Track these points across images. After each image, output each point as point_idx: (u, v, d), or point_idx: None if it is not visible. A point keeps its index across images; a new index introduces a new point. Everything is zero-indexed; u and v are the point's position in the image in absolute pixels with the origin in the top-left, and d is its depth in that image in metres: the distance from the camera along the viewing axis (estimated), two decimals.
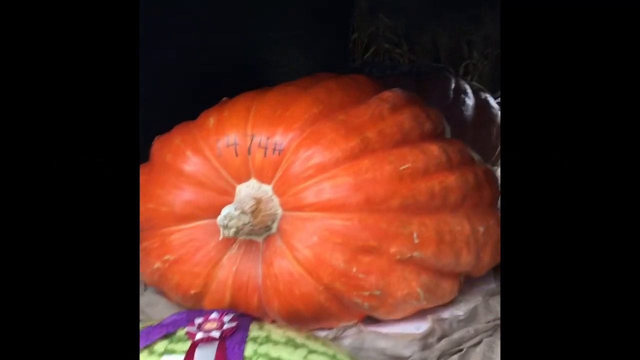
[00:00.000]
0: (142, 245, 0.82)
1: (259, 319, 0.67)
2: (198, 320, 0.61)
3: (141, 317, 0.84)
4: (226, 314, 0.61)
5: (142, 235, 0.83)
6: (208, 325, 0.60)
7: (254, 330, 0.59)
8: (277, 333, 0.59)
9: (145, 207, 0.80)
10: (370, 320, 0.79)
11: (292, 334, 0.59)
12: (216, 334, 0.58)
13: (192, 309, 0.79)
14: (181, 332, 0.59)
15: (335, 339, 0.76)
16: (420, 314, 0.79)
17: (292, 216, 0.76)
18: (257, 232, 0.77)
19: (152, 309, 0.85)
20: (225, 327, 0.59)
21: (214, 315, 0.61)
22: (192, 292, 0.79)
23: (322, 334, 0.77)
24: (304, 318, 0.76)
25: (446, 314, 0.80)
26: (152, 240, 0.81)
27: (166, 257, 0.79)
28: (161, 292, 0.85)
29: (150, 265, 0.81)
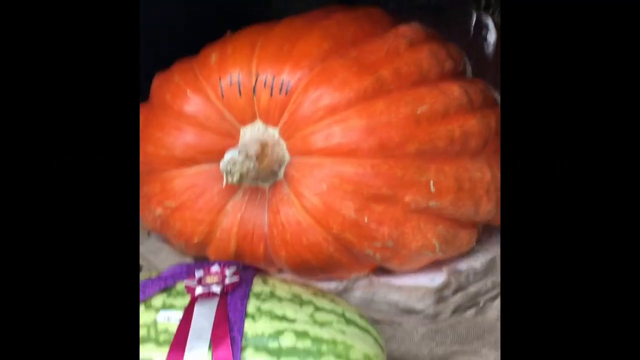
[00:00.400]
0: (143, 190, 0.78)
1: (263, 271, 0.63)
2: (198, 274, 0.57)
3: (144, 264, 0.80)
4: (228, 267, 0.57)
5: (143, 179, 0.79)
6: (209, 279, 0.56)
7: (258, 285, 0.55)
8: (282, 288, 0.55)
9: (144, 150, 0.75)
10: (383, 271, 0.75)
11: (298, 289, 0.56)
12: (217, 289, 0.54)
13: (193, 261, 0.76)
14: (180, 286, 0.55)
15: (345, 290, 0.73)
16: (435, 265, 0.75)
17: (299, 161, 0.71)
18: (263, 178, 0.73)
19: (155, 256, 0.81)
20: (227, 281, 0.55)
21: (215, 268, 0.57)
22: (196, 240, 0.75)
23: (332, 285, 0.74)
24: (313, 268, 0.72)
25: (463, 266, 0.76)
26: (153, 185, 0.76)
27: (167, 203, 0.75)
28: (165, 239, 0.82)
29: (151, 212, 0.77)
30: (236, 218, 0.73)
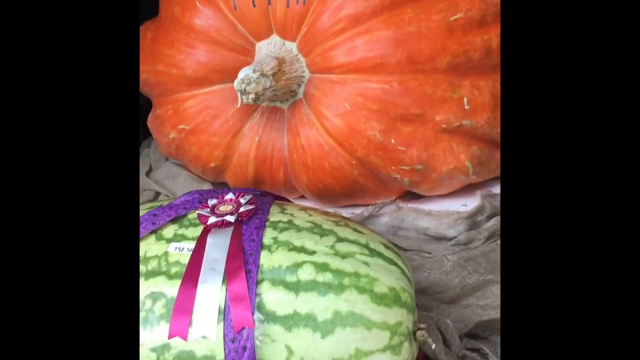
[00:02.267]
0: (155, 112, 0.74)
1: (282, 199, 0.59)
2: (212, 202, 0.53)
3: (161, 190, 0.77)
4: (243, 195, 0.53)
5: (155, 101, 0.74)
6: (223, 208, 0.52)
7: (275, 214, 0.51)
8: (301, 217, 0.51)
9: (154, 69, 0.70)
10: (411, 196, 0.70)
11: (318, 218, 0.51)
12: (231, 218, 0.50)
13: (211, 187, 0.72)
14: (192, 215, 0.52)
15: (371, 217, 0.68)
16: (467, 189, 0.70)
17: (320, 79, 0.65)
18: (281, 98, 0.67)
19: (173, 182, 0.78)
20: (241, 209, 0.51)
21: (229, 196, 0.53)
22: (212, 165, 0.71)
23: (357, 211, 0.70)
24: (336, 194, 0.68)
25: (497, 189, 0.71)
26: (165, 107, 0.72)
27: (181, 126, 0.70)
28: (182, 164, 0.78)
29: (165, 135, 0.73)
30: (254, 141, 0.69)
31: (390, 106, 0.62)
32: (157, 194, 0.77)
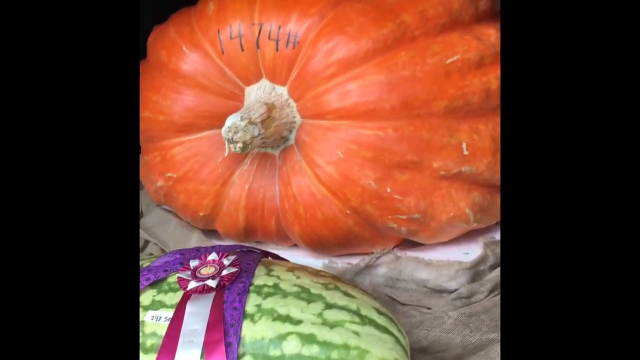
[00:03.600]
0: (143, 159, 0.71)
1: (270, 254, 0.55)
2: (194, 263, 0.50)
3: (150, 239, 0.74)
4: (227, 256, 0.50)
5: (142, 147, 0.72)
6: (204, 270, 0.49)
7: (260, 276, 0.48)
8: (288, 280, 0.48)
9: (141, 115, 0.68)
10: (410, 243, 0.67)
11: (306, 280, 0.48)
12: (212, 283, 0.47)
13: (202, 234, 0.69)
14: (173, 278, 0.49)
15: (367, 267, 0.65)
16: (469, 235, 0.67)
17: (312, 125, 0.62)
18: (272, 144, 0.64)
19: (163, 229, 0.75)
20: (224, 272, 0.48)
21: (212, 257, 0.50)
22: (201, 214, 0.68)
23: (353, 260, 0.66)
24: (330, 244, 0.65)
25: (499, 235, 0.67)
26: (153, 154, 0.69)
27: (168, 174, 0.68)
28: (172, 210, 0.75)
29: (153, 183, 0.70)
30: (244, 189, 0.66)
31: (385, 153, 0.59)
32: (147, 242, 0.74)
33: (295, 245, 0.69)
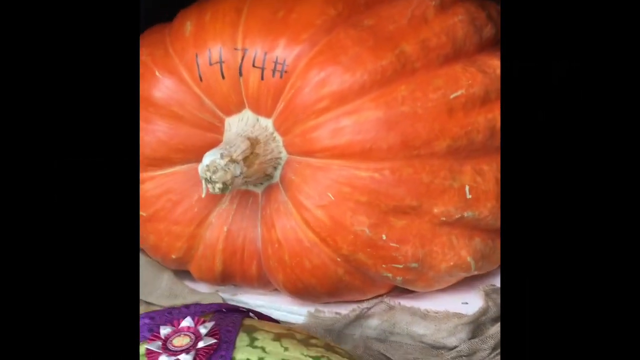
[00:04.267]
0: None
1: (251, 313, 0.49)
2: (165, 331, 0.43)
3: None
4: (203, 322, 0.43)
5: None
6: (178, 341, 0.42)
7: (242, 348, 0.41)
8: (275, 353, 0.41)
9: None
10: (404, 290, 0.61)
11: (296, 353, 0.42)
12: (187, 358, 0.40)
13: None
14: (141, 348, 0.42)
15: (358, 318, 0.59)
16: (468, 280, 0.61)
17: (300, 162, 0.56)
18: (254, 182, 0.58)
19: None
20: (200, 344, 0.41)
21: (187, 323, 0.43)
22: (173, 256, 0.61)
23: (342, 310, 0.60)
24: (317, 293, 0.59)
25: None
26: None
27: None
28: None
29: None
30: (222, 231, 0.59)
31: (381, 197, 0.53)
32: None
33: (277, 289, 0.63)
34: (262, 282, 0.61)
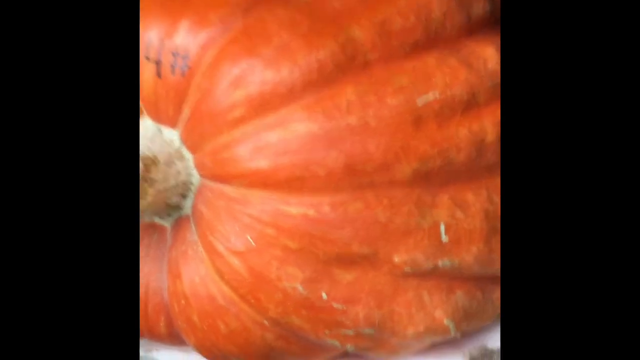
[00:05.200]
0: None
1: None
2: None
3: None
4: None
5: None
6: None
7: None
8: None
9: None
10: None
11: None
12: None
13: None
14: None
15: None
16: (450, 343, 0.46)
17: (212, 190, 0.41)
18: (159, 214, 0.44)
19: None
20: None
21: None
22: None
23: None
24: None
25: (497, 341, 0.47)
26: None
27: None
28: None
29: None
30: None
31: (318, 243, 0.38)
32: None
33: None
34: (174, 339, 0.47)
